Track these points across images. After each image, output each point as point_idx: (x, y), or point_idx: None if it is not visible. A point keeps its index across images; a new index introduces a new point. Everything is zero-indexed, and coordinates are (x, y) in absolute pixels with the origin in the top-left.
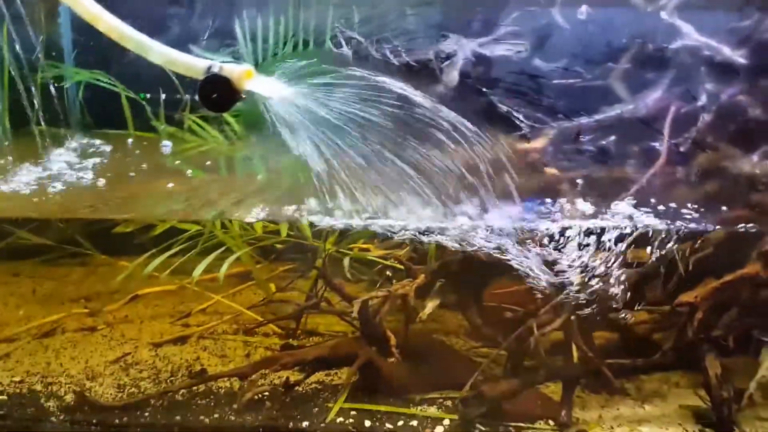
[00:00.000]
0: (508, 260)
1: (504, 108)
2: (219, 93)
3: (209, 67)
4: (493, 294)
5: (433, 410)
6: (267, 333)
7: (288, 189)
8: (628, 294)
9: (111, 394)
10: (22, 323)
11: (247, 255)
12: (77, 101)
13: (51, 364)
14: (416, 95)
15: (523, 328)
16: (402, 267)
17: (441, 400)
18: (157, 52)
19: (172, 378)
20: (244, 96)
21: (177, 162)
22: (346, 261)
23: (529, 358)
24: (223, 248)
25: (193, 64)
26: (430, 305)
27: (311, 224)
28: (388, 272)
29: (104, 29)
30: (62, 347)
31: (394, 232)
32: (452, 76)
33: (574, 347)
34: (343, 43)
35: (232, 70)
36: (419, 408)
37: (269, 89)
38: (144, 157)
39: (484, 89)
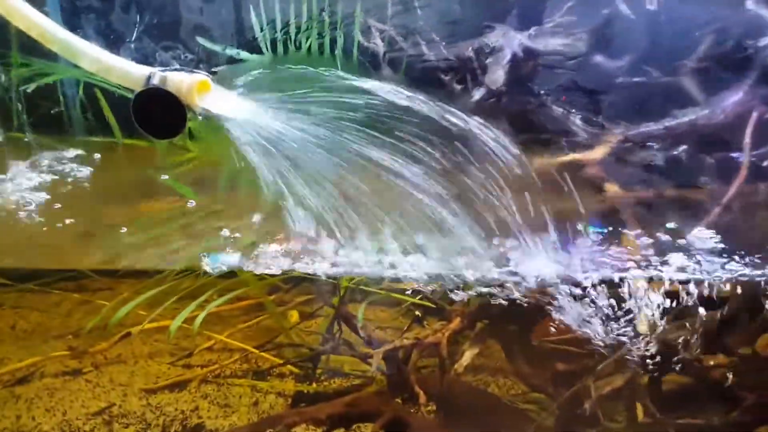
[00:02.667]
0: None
1: (557, 111)
2: (161, 112)
3: (148, 77)
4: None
5: None
6: (283, 374)
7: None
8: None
9: None
10: None
11: (259, 284)
12: (77, 101)
13: (21, 417)
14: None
15: (577, 386)
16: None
17: None
18: (88, 56)
19: None
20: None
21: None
22: (361, 311)
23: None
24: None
25: (130, 71)
26: (468, 354)
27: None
28: (417, 312)
29: (22, 25)
30: (37, 396)
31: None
32: (497, 75)
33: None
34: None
35: (180, 81)
36: None
37: (232, 107)
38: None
39: (535, 88)
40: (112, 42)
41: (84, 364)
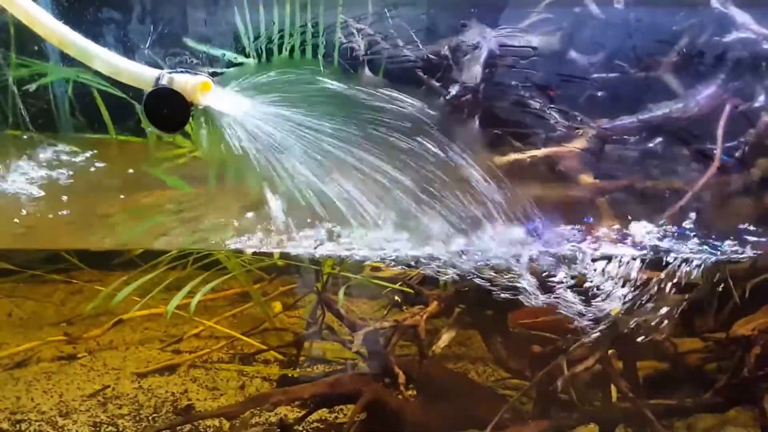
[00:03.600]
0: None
1: (535, 105)
2: (168, 109)
3: (158, 78)
4: (521, 323)
5: None
6: (267, 360)
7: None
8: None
9: None
10: None
11: (244, 274)
12: (66, 99)
13: (21, 398)
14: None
15: (551, 365)
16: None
17: None
18: (102, 59)
19: (155, 415)
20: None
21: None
22: (341, 294)
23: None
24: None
25: (140, 73)
26: (446, 337)
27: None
28: (397, 297)
29: (42, 32)
30: (35, 379)
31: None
32: (474, 72)
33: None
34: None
35: (185, 81)
36: None
37: (230, 104)
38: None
39: (512, 84)
40: (130, 48)
41: (78, 350)
